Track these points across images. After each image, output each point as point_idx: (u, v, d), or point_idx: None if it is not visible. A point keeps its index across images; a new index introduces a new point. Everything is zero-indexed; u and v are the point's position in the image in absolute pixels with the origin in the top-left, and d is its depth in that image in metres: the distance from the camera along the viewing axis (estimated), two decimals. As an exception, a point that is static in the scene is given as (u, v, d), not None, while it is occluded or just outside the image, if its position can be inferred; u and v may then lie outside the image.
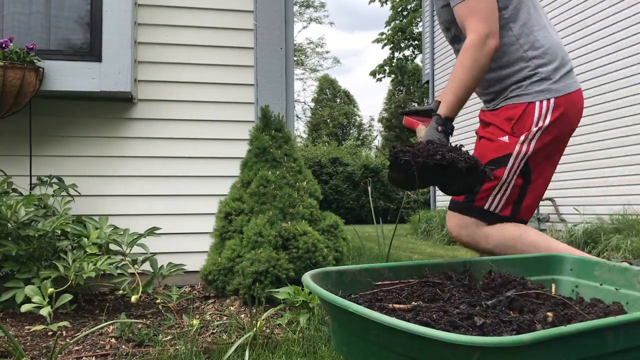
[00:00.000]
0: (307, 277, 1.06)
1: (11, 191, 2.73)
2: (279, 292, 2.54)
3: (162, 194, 3.44)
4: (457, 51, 1.95)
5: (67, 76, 3.11)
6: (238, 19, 3.57)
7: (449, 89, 1.73)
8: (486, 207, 1.81)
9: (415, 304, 1.07)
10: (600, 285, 1.32)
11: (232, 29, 3.57)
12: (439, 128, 1.66)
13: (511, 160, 1.78)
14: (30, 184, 3.16)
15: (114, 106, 3.39)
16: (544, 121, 1.76)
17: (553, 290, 1.34)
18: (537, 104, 1.77)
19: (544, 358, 0.79)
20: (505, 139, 1.78)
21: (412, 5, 21.76)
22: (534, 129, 1.76)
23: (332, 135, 33.86)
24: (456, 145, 1.56)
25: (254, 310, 2.46)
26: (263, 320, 2.44)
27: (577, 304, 1.16)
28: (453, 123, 1.74)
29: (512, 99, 1.83)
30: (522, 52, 1.82)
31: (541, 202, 7.28)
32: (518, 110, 1.79)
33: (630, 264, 1.44)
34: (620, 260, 4.70)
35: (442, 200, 10.74)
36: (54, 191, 2.99)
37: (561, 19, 7.26)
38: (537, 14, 1.89)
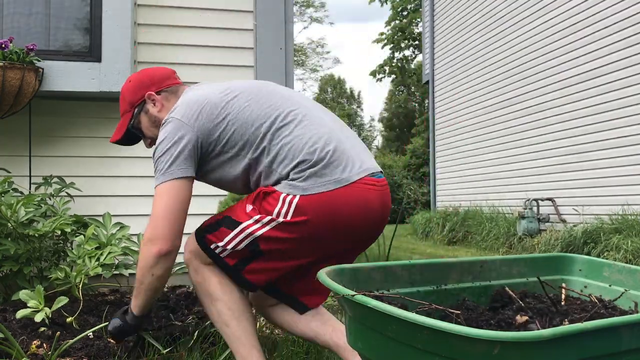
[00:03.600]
0: (322, 274, 1.07)
1: (11, 191, 2.73)
2: (278, 292, 2.53)
3: (162, 194, 3.43)
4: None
5: (66, 76, 3.11)
6: (238, 19, 3.57)
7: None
8: (212, 246, 1.72)
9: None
10: (610, 286, 1.31)
11: (232, 29, 3.57)
12: None
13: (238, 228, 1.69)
14: (30, 184, 3.16)
15: (113, 106, 3.35)
16: (284, 217, 1.64)
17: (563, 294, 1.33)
18: (283, 195, 1.65)
19: (563, 354, 0.80)
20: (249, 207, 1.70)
21: (412, 5, 21.72)
22: (273, 216, 1.65)
23: (333, 135, 33.65)
24: None
25: (254, 311, 2.46)
26: (263, 320, 2.44)
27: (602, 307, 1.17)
28: None
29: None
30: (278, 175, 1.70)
31: (541, 202, 7.27)
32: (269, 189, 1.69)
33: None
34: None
35: (442, 201, 10.73)
36: (52, 190, 2.99)
37: (561, 19, 7.26)
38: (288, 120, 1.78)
